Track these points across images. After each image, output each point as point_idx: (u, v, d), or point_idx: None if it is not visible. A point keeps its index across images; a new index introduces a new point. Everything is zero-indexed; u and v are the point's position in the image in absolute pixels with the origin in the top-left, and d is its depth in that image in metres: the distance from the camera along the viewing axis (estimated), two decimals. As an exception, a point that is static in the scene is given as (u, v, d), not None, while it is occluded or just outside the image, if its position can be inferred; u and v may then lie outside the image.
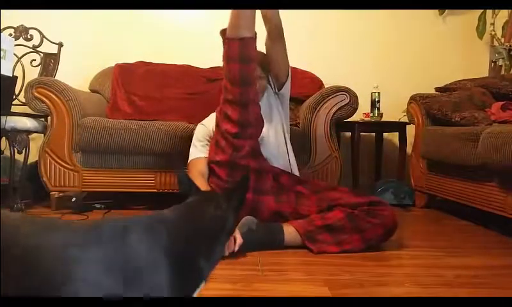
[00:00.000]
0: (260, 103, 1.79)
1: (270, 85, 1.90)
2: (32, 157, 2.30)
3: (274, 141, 1.83)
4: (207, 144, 1.82)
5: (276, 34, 1.74)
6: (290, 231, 1.53)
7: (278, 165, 1.80)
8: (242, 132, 1.58)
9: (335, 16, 3.02)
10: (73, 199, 2.29)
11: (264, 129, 1.73)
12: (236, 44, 1.57)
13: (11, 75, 2.21)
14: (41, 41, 2.70)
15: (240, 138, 1.58)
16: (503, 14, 2.97)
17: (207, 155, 1.75)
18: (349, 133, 2.86)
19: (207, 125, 1.87)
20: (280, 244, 1.50)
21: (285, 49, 1.81)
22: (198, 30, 3.00)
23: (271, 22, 1.72)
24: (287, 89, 1.91)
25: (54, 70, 2.68)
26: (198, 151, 1.82)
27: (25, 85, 2.32)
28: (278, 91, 1.90)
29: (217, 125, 1.67)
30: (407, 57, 3.08)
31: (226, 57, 1.62)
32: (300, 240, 1.51)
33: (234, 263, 1.32)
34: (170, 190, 2.28)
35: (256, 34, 1.61)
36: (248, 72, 1.58)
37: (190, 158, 1.83)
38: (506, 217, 1.75)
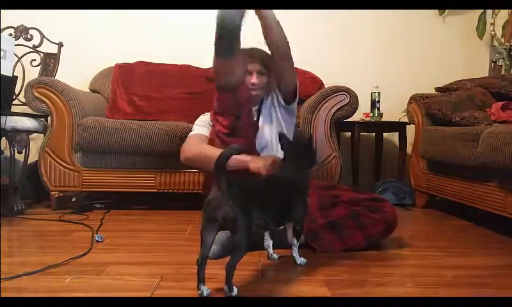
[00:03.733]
0: (263, 104, 1.78)
1: (277, 94, 1.80)
2: (32, 157, 2.30)
3: (276, 143, 1.82)
4: (205, 127, 1.83)
5: (279, 56, 1.66)
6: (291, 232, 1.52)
7: None
8: (234, 132, 1.59)
9: (335, 16, 3.02)
10: (73, 199, 2.29)
11: (266, 131, 1.74)
12: (227, 95, 1.55)
13: (11, 75, 2.21)
14: (41, 41, 2.70)
15: (233, 137, 1.57)
16: (503, 14, 2.97)
17: (207, 133, 1.79)
18: (349, 133, 2.86)
19: (207, 114, 1.88)
20: (282, 243, 1.49)
21: (291, 69, 1.73)
22: (198, 30, 3.00)
23: (272, 45, 1.63)
24: (294, 106, 1.85)
25: (54, 70, 2.68)
26: (197, 130, 1.83)
27: (25, 85, 2.32)
28: (287, 104, 1.81)
29: (212, 126, 1.70)
30: (407, 57, 3.08)
31: (218, 105, 1.59)
32: (303, 238, 1.49)
33: (234, 263, 1.33)
34: (170, 190, 2.28)
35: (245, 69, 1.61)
36: (240, 99, 1.57)
37: (189, 135, 1.84)
38: (506, 217, 1.75)
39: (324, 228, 1.52)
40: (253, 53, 1.71)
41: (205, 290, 1.04)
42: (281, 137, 1.48)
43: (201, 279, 1.05)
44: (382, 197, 1.66)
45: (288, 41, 1.63)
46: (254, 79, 1.72)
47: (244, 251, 1.04)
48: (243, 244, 1.04)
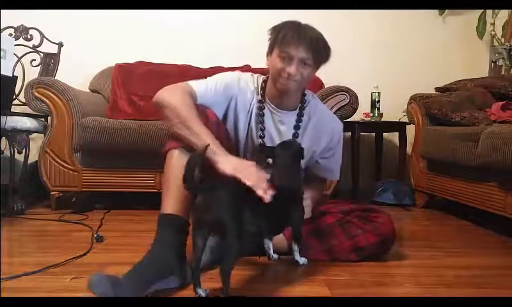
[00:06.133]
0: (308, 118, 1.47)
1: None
2: (32, 157, 2.30)
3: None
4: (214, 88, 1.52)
5: None
6: (277, 237, 1.39)
7: None
8: None
9: (335, 16, 3.01)
10: (74, 199, 2.29)
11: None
12: None
13: (11, 75, 2.21)
14: (41, 41, 2.70)
15: None
16: (503, 14, 2.97)
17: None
18: (349, 133, 2.86)
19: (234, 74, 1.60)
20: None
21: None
22: (198, 30, 3.00)
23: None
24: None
25: (54, 70, 2.68)
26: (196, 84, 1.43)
27: (25, 85, 2.32)
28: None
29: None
30: (407, 57, 3.08)
31: None
32: (287, 245, 1.40)
33: (234, 263, 1.33)
34: (170, 190, 2.27)
35: None
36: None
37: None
38: (506, 217, 1.75)
39: (309, 234, 1.41)
40: (301, 36, 1.31)
41: (203, 293, 1.03)
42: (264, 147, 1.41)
43: (197, 284, 1.04)
44: (376, 208, 1.48)
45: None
46: (292, 69, 1.31)
47: (235, 256, 1.01)
48: (234, 247, 1.00)
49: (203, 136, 1.18)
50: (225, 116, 1.43)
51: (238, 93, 1.43)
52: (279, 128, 1.45)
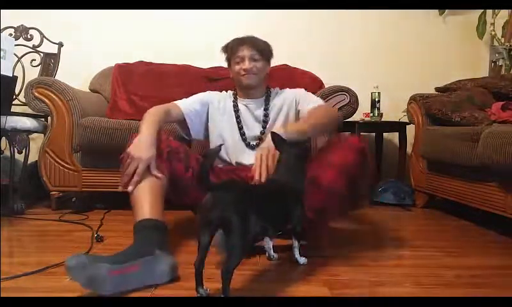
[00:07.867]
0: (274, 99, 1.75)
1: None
2: (32, 157, 2.30)
3: None
4: (195, 103, 1.79)
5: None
6: None
7: None
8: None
9: (335, 16, 3.02)
10: (74, 199, 2.29)
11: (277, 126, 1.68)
12: None
13: (11, 75, 2.21)
14: (41, 41, 2.70)
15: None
16: (503, 14, 2.97)
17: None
18: (349, 134, 2.86)
19: (212, 93, 1.87)
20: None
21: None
22: (198, 30, 3.00)
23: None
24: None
25: (54, 70, 2.68)
26: (180, 102, 1.74)
27: (25, 85, 2.32)
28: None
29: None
30: (407, 57, 3.08)
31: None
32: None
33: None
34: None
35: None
36: None
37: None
38: (506, 217, 1.75)
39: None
40: (243, 39, 1.69)
41: (204, 293, 1.04)
42: (275, 136, 1.39)
43: (199, 283, 1.04)
44: (343, 137, 1.56)
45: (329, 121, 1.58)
46: (246, 65, 1.67)
47: (240, 256, 1.00)
48: (238, 248, 0.99)
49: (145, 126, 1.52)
50: (207, 125, 1.76)
51: (212, 100, 1.78)
52: (254, 113, 1.74)
